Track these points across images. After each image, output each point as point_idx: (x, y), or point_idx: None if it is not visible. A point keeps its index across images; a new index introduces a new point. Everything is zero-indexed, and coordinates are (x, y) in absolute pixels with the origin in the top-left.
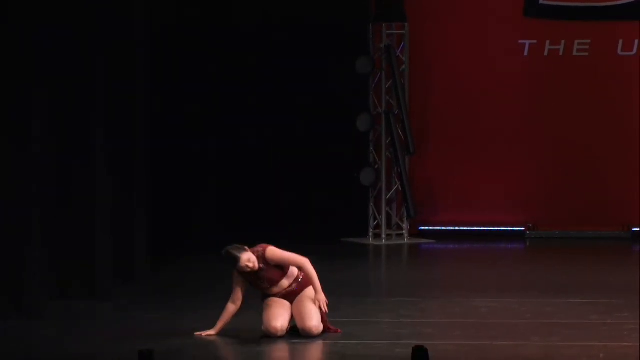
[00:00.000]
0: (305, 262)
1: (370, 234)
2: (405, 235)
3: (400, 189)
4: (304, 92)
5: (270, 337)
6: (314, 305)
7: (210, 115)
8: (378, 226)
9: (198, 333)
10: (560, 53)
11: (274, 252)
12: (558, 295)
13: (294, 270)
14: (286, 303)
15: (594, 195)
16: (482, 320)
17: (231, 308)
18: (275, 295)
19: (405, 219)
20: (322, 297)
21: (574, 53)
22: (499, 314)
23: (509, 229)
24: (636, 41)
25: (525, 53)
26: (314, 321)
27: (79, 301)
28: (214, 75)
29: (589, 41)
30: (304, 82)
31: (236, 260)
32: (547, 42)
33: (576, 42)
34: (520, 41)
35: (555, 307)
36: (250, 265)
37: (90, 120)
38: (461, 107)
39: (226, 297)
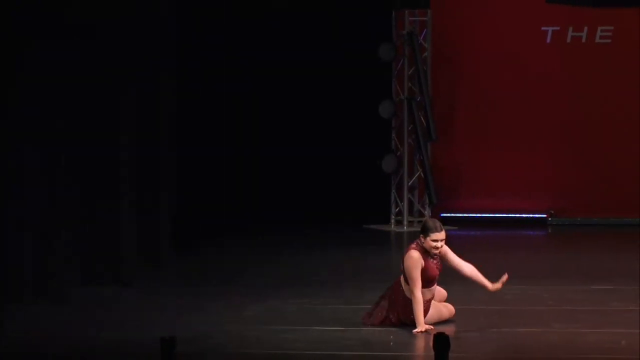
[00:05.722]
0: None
1: (392, 220)
2: None
3: (422, 175)
4: (326, 79)
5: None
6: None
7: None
8: (400, 213)
9: (416, 331)
10: (583, 40)
11: (448, 250)
12: (580, 282)
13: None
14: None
15: (615, 182)
16: (505, 307)
17: (422, 296)
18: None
19: (426, 205)
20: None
21: (597, 40)
22: (521, 301)
23: (531, 216)
24: None
25: (548, 40)
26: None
27: (104, 287)
28: (236, 64)
29: (611, 28)
30: (326, 69)
31: (434, 230)
32: (570, 28)
33: (599, 28)
34: (542, 28)
35: (577, 293)
36: (439, 245)
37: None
38: (483, 94)
39: (247, 285)
